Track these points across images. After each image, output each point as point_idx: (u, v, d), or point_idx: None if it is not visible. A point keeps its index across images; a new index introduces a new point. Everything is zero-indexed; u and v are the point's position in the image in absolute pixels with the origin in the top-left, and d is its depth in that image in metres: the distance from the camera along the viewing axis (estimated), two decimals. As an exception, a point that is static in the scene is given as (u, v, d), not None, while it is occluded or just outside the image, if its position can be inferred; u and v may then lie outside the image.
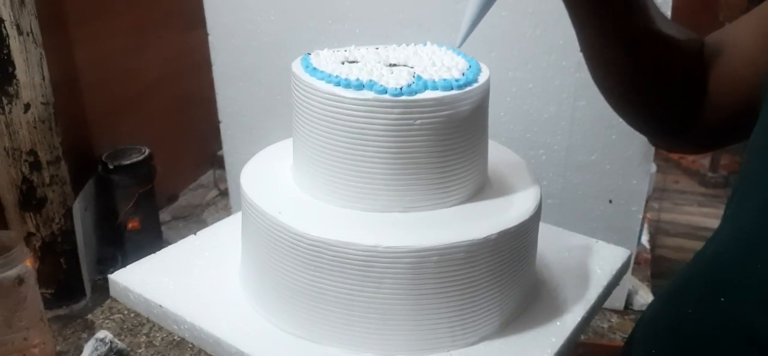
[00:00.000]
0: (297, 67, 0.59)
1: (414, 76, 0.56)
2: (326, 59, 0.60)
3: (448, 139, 0.56)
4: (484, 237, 0.54)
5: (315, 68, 0.57)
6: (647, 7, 0.50)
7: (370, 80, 0.54)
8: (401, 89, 0.53)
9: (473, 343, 0.58)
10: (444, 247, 0.53)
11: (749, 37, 0.52)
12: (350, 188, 0.57)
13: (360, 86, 0.53)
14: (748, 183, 0.47)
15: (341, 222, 0.56)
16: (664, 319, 0.52)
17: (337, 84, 0.54)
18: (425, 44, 0.66)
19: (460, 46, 0.57)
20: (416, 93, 0.54)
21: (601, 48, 0.53)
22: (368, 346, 0.56)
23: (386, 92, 0.53)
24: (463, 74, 0.57)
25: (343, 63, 0.59)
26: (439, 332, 0.56)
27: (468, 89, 0.56)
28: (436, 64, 0.60)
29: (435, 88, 0.55)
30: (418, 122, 0.54)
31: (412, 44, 0.66)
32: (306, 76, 0.56)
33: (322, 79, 0.55)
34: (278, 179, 0.63)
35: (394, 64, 0.60)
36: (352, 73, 0.55)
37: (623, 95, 0.57)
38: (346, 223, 0.56)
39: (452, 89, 0.55)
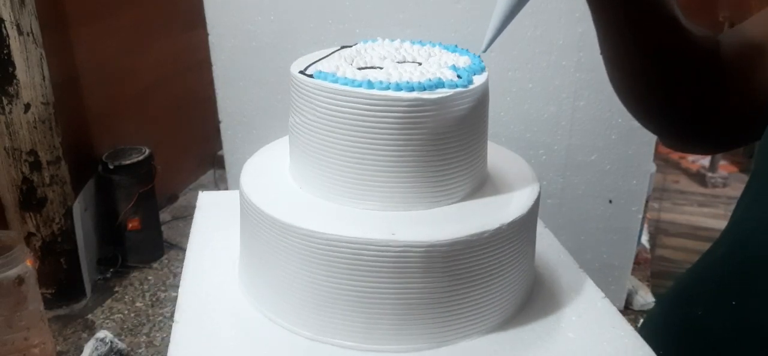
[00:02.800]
0: (330, 85, 0.54)
1: (450, 68, 0.56)
2: (345, 69, 0.57)
3: (473, 125, 0.57)
4: (518, 217, 0.56)
5: (371, 82, 0.54)
6: (672, 3, 0.50)
7: (438, 78, 0.53)
8: (462, 79, 0.54)
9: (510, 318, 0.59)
10: (493, 231, 0.53)
11: (764, 34, 0.51)
12: (429, 189, 0.56)
13: (434, 86, 0.53)
14: (761, 185, 0.46)
15: (420, 223, 0.54)
16: (673, 321, 0.52)
17: (411, 89, 0.52)
18: (384, 41, 0.66)
19: (484, 51, 0.57)
20: (472, 82, 0.54)
21: (623, 45, 0.52)
22: (423, 340, 0.55)
23: (457, 86, 0.53)
24: (470, 58, 0.59)
25: (360, 69, 0.58)
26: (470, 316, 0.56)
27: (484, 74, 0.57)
28: (437, 55, 0.60)
29: (475, 73, 0.56)
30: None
31: (380, 39, 0.65)
32: (372, 92, 0.53)
33: (390, 89, 0.53)
34: (291, 191, 0.60)
35: (401, 62, 0.60)
36: (394, 76, 0.55)
37: (643, 95, 0.56)
38: (425, 222, 0.54)
39: (482, 72, 0.56)
